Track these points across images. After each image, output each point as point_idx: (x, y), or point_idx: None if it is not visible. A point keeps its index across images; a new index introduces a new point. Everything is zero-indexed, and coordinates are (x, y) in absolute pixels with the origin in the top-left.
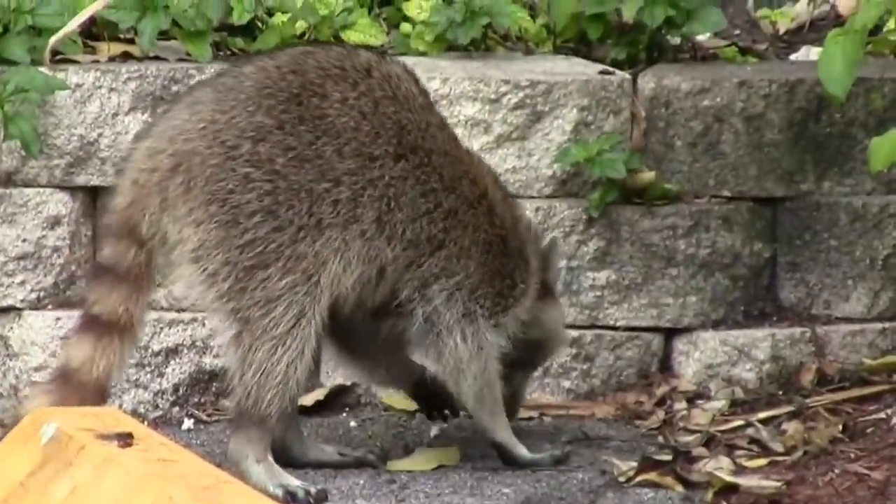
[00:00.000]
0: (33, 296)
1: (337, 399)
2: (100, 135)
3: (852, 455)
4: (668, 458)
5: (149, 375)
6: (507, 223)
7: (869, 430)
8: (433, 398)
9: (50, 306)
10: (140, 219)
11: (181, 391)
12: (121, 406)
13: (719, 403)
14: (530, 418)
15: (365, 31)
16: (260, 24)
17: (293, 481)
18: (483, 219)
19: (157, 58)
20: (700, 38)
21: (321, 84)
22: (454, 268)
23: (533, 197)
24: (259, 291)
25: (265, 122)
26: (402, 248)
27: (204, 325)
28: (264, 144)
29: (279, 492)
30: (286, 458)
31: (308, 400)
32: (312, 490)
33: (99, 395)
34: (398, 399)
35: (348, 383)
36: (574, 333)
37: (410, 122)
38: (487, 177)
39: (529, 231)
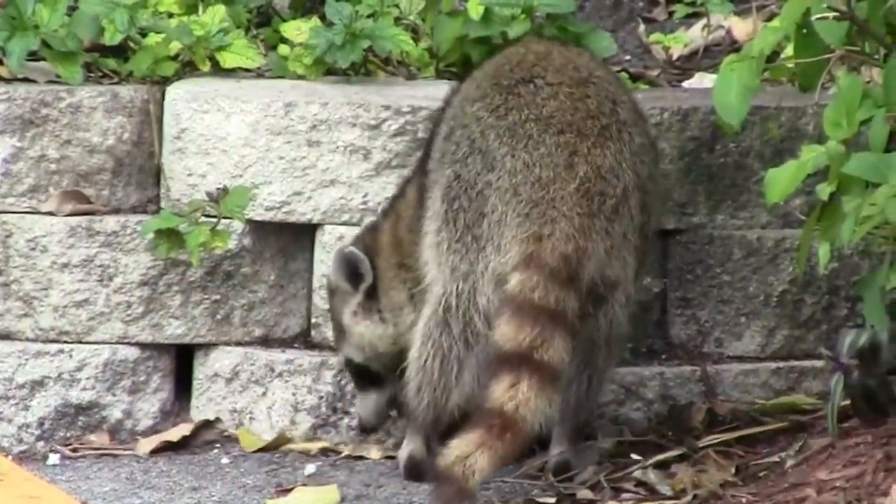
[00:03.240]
0: None
1: (201, 434)
2: None
3: (744, 500)
4: (552, 501)
5: (13, 408)
6: None
7: (762, 474)
8: None
9: None
10: None
11: (46, 425)
12: None
13: (606, 444)
14: None
15: (242, 53)
16: (133, 45)
17: None
18: None
19: (25, 79)
20: None
21: None
22: None
23: None
24: None
25: None
26: None
27: (71, 356)
28: None
29: None
30: None
31: (174, 435)
32: None
33: None
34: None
35: (212, 418)
36: None
37: None
38: None
39: None
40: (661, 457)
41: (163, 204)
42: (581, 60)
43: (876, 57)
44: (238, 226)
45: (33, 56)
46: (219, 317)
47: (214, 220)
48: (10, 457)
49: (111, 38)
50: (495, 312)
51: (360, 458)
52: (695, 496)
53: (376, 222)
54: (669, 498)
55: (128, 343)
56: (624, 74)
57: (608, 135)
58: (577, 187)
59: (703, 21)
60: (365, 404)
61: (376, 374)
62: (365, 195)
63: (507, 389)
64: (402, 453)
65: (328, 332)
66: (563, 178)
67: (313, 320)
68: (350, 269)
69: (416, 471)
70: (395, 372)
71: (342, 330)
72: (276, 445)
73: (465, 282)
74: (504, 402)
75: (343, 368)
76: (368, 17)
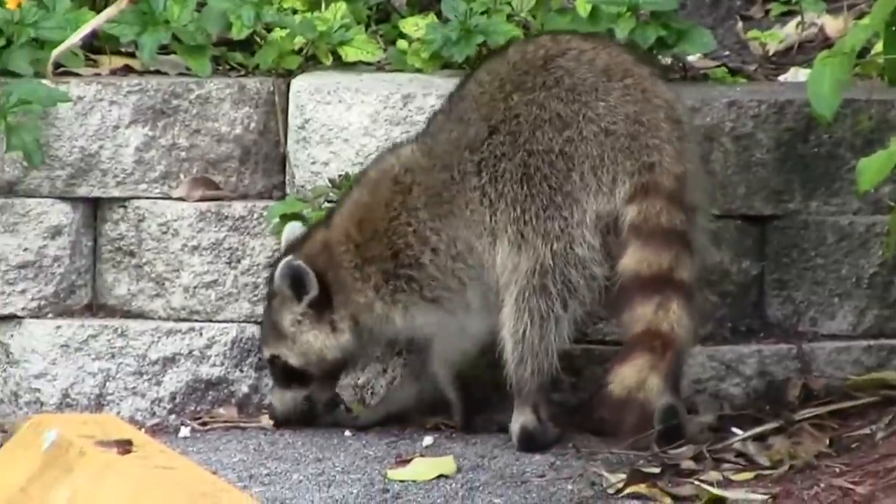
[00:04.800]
0: (34, 304)
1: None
2: (100, 147)
3: (837, 469)
4: (657, 470)
5: (146, 384)
6: None
7: (854, 446)
8: None
9: (50, 315)
10: None
11: (178, 399)
12: (118, 413)
13: (707, 418)
14: None
15: (362, 48)
16: (259, 40)
17: None
18: None
19: (157, 72)
20: (690, 58)
21: None
22: None
23: None
24: None
25: None
26: None
27: (201, 334)
28: None
29: None
30: None
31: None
32: None
33: None
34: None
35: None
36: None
37: None
38: None
39: None
40: (759, 429)
41: (287, 190)
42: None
43: None
44: None
45: (164, 50)
46: None
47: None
48: (143, 429)
49: (238, 33)
50: (622, 243)
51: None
52: (791, 466)
53: (325, 231)
54: (767, 468)
55: (255, 322)
56: (723, 69)
57: (658, 74)
58: (665, 115)
59: (798, 19)
60: (283, 399)
61: (303, 374)
62: None
63: (657, 311)
64: (514, 426)
65: None
66: (649, 109)
67: None
68: (295, 281)
69: (529, 441)
70: (331, 378)
71: (281, 333)
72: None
73: (559, 241)
74: (659, 323)
75: (267, 363)
76: (482, 13)
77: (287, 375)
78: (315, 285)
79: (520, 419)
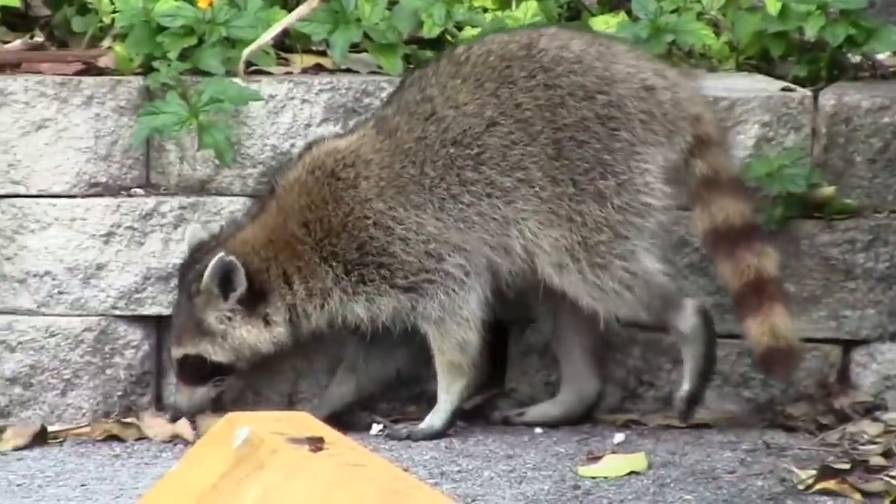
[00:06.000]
0: None
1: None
2: (292, 145)
3: None
4: (847, 467)
5: None
6: None
7: None
8: None
9: None
10: None
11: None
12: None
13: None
14: (708, 426)
15: None
16: (450, 38)
17: None
18: None
19: (348, 70)
20: (880, 56)
21: None
22: None
23: None
24: None
25: None
26: None
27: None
28: None
29: None
30: None
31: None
32: None
33: None
34: None
35: (527, 390)
36: None
37: None
38: None
39: None
40: None
41: None
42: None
43: None
44: None
45: (355, 48)
46: None
47: None
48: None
49: (429, 31)
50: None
51: (667, 427)
52: None
53: (252, 228)
54: None
55: None
56: None
57: None
58: (679, 71)
59: None
60: (192, 397)
61: (227, 369)
62: None
63: (759, 258)
64: (680, 394)
65: None
66: (664, 65)
67: None
68: (224, 278)
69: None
70: (252, 368)
71: (204, 331)
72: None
73: (619, 196)
74: (764, 268)
75: (177, 363)
76: (672, 12)
77: (203, 373)
78: (244, 283)
79: (685, 387)
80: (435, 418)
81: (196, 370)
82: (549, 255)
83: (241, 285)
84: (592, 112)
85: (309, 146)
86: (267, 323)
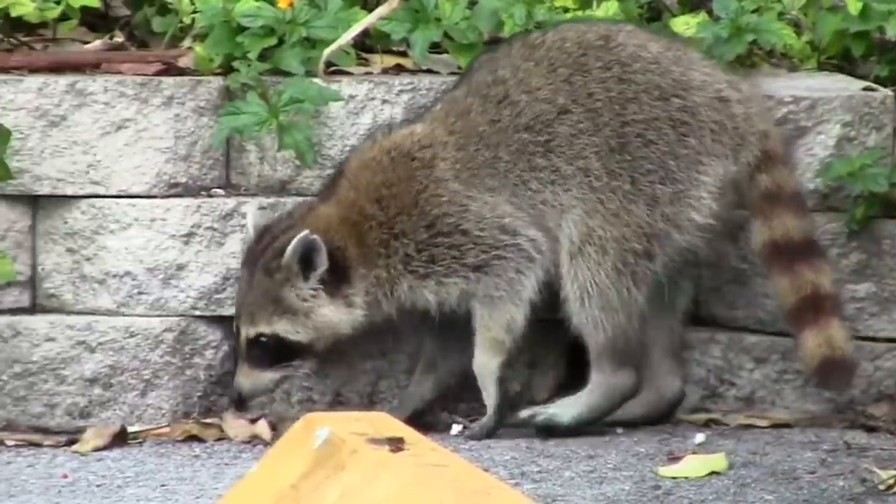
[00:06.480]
0: None
1: None
2: None
3: None
4: None
5: None
6: None
7: None
8: None
9: None
10: None
11: (450, 397)
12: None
13: None
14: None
15: None
16: None
17: None
18: None
19: (429, 70)
20: None
21: None
22: None
23: None
24: None
25: None
26: None
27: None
28: None
29: None
30: None
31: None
32: None
33: None
34: None
35: None
36: None
37: None
38: None
39: None
40: None
41: None
42: None
43: None
44: None
45: (436, 48)
46: None
47: None
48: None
49: (510, 31)
50: (752, 209)
51: (748, 426)
52: None
53: (330, 206)
54: None
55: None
56: None
57: None
58: (750, 83)
59: None
60: (255, 380)
61: (304, 351)
62: None
63: (816, 273)
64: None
65: (714, 308)
66: (737, 77)
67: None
68: (305, 256)
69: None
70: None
71: (284, 309)
72: None
73: (672, 205)
74: (821, 284)
75: (247, 344)
76: (753, 11)
77: (273, 356)
78: (325, 261)
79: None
80: (489, 403)
81: (266, 351)
82: (573, 243)
83: (323, 264)
84: (666, 114)
85: (380, 130)
86: (349, 304)
